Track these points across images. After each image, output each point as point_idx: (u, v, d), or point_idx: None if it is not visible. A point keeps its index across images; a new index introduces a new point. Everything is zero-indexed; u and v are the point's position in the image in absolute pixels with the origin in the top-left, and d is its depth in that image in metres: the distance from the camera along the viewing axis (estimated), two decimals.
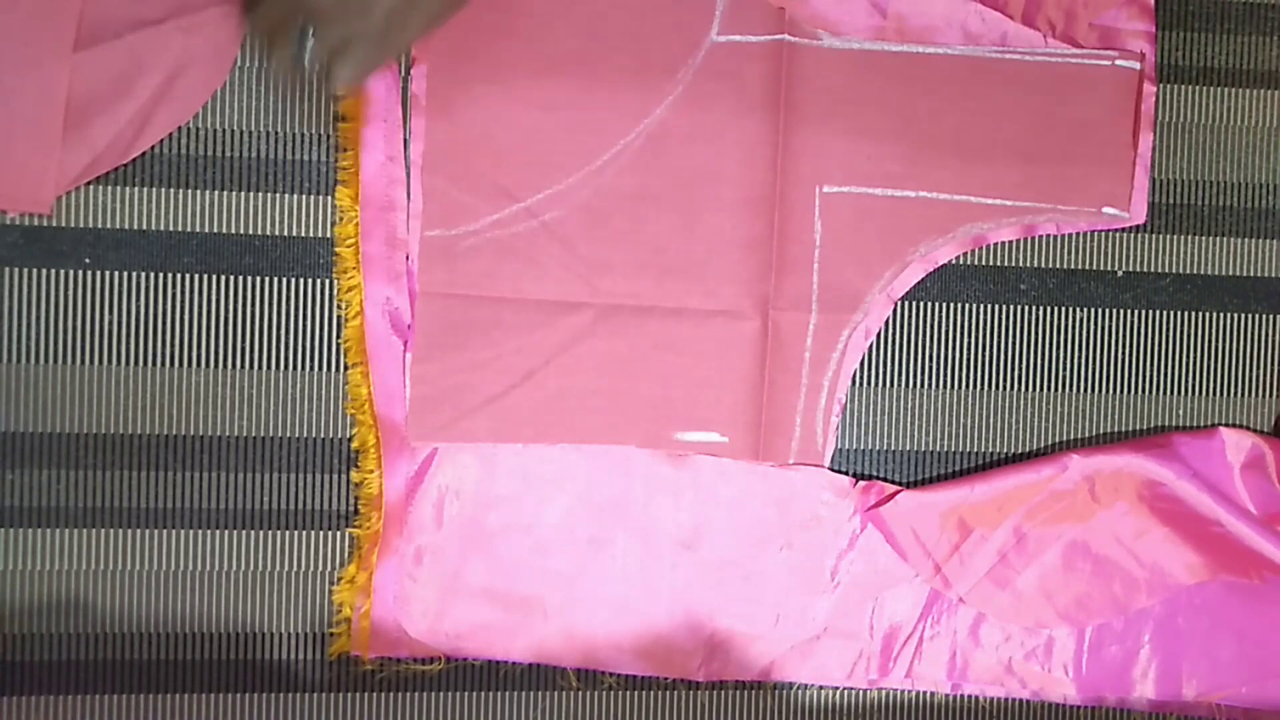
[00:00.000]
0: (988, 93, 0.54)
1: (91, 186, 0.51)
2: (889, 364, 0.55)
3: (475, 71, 0.51)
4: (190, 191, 0.51)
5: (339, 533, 0.52)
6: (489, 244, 0.52)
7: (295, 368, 0.52)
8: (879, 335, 0.55)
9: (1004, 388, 0.56)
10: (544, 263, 0.52)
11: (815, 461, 0.54)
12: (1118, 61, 0.55)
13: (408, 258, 0.52)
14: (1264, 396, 0.57)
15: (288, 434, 0.52)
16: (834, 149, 0.54)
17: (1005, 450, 0.56)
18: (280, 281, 0.52)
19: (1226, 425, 0.57)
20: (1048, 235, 0.55)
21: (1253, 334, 0.57)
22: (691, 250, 0.53)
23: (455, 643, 0.52)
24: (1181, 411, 0.57)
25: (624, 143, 0.52)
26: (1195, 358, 0.57)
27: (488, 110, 0.52)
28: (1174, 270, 0.57)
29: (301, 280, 0.52)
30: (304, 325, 0.52)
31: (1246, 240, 0.57)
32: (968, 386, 0.56)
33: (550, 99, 0.52)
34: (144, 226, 0.51)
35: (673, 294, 0.53)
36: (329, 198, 0.52)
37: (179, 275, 0.51)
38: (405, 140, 0.52)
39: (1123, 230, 0.56)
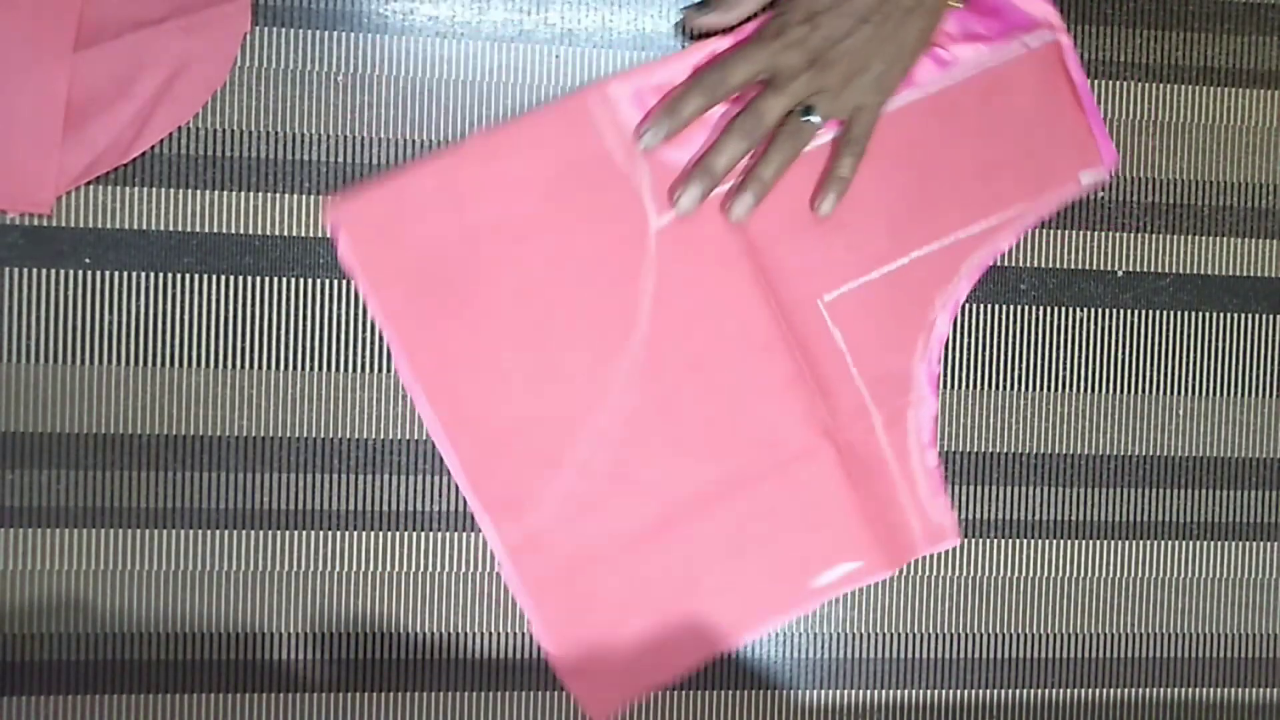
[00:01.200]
0: (927, 134, 0.53)
1: (91, 186, 0.51)
2: None
3: (461, 373, 0.51)
4: (190, 191, 0.51)
5: (339, 533, 0.52)
6: (562, 522, 0.52)
7: (295, 368, 0.52)
8: None
9: (1003, 388, 0.56)
10: (612, 505, 0.52)
11: (948, 539, 0.55)
12: (1028, 42, 0.54)
13: None
14: (1264, 396, 0.58)
15: (288, 434, 0.52)
16: (813, 258, 0.53)
17: (1005, 450, 0.56)
18: (280, 281, 0.52)
19: (1227, 426, 0.57)
20: (1048, 231, 0.55)
21: (1253, 334, 0.57)
22: (738, 421, 0.53)
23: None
24: (1181, 411, 0.57)
25: (626, 366, 0.52)
26: (1195, 358, 0.57)
27: (486, 401, 0.52)
28: (1174, 270, 0.57)
29: (301, 280, 0.52)
30: (304, 325, 0.52)
31: (1246, 240, 0.57)
32: (967, 386, 0.56)
33: (531, 370, 0.51)
34: (144, 226, 0.51)
35: (741, 468, 0.53)
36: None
37: (179, 275, 0.51)
38: None
39: (1123, 230, 0.56)
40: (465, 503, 0.53)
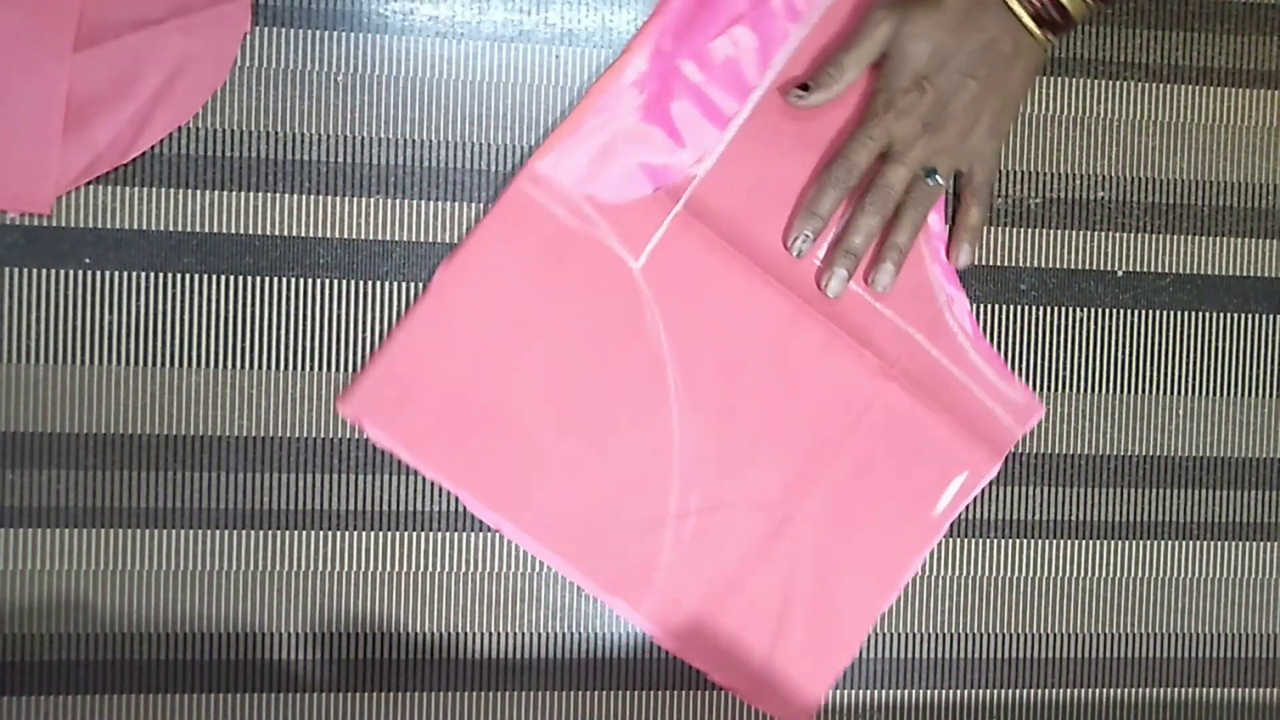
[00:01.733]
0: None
1: (91, 186, 0.51)
2: None
3: (529, 485, 0.52)
4: (190, 191, 0.51)
5: (339, 533, 0.52)
6: (687, 570, 0.53)
7: (295, 368, 0.52)
8: None
9: None
10: (722, 533, 0.53)
11: (1034, 413, 0.55)
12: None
13: None
14: (1264, 396, 0.58)
15: (288, 434, 0.52)
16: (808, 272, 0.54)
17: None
18: (280, 281, 0.52)
19: (1227, 426, 0.57)
20: (1048, 231, 0.56)
21: (1253, 334, 0.57)
22: (796, 403, 0.53)
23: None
24: (1181, 411, 0.57)
25: (674, 406, 0.53)
26: (1195, 358, 0.57)
27: (564, 497, 0.52)
28: (1174, 270, 0.57)
29: (301, 280, 0.52)
30: (304, 325, 0.52)
31: (1246, 240, 0.57)
32: None
33: (592, 451, 0.52)
34: (144, 226, 0.51)
35: (820, 442, 0.53)
36: (330, 198, 0.52)
37: (179, 275, 0.51)
38: None
39: (1123, 230, 0.56)
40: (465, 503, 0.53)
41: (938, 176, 0.51)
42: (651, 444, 0.53)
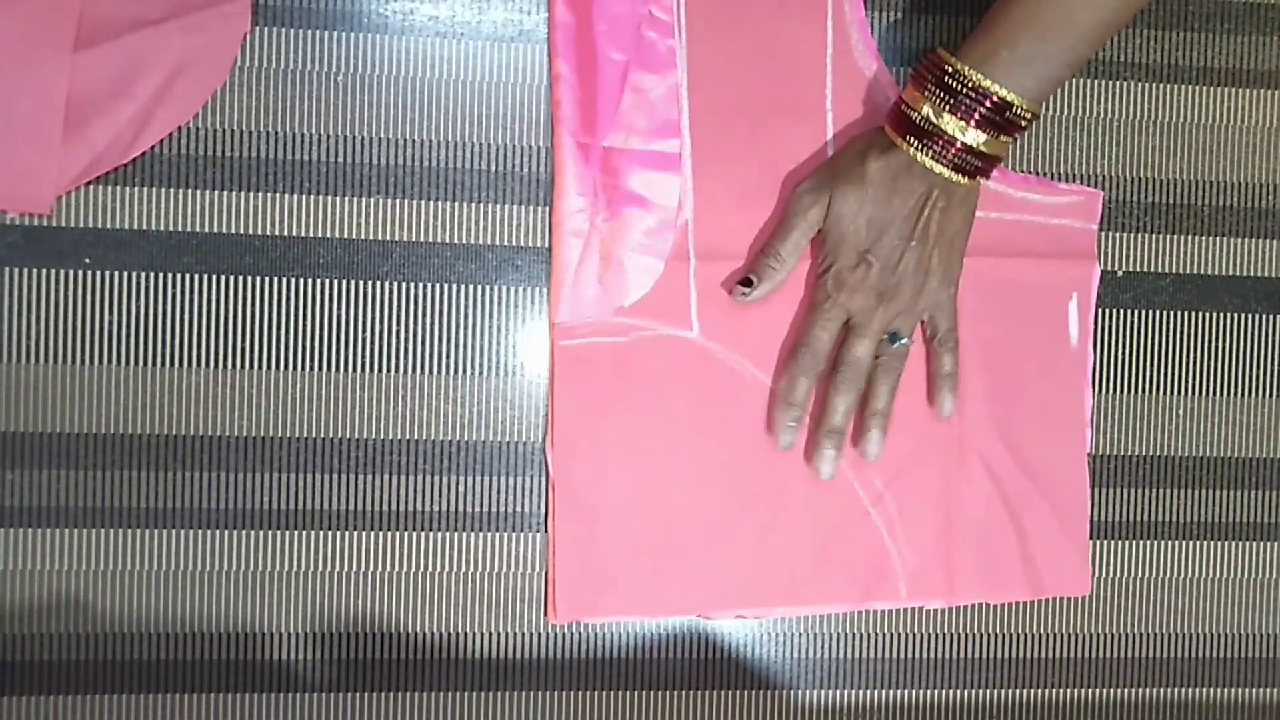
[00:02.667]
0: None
1: (91, 186, 0.51)
2: None
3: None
4: (190, 191, 0.51)
5: (339, 533, 0.52)
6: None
7: (295, 368, 0.52)
8: None
9: None
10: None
11: (1094, 197, 0.56)
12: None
13: None
14: (1264, 396, 0.57)
15: (288, 434, 0.52)
16: None
17: None
18: (280, 281, 0.52)
19: (1227, 426, 0.57)
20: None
21: (1253, 334, 0.57)
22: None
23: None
24: (1181, 412, 0.57)
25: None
26: (1195, 358, 0.57)
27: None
28: (1174, 270, 0.57)
29: (301, 280, 0.52)
30: (304, 325, 0.52)
31: (1246, 240, 0.57)
32: None
33: (771, 521, 0.54)
34: (144, 226, 0.51)
35: (969, 370, 0.55)
36: (330, 198, 0.52)
37: (179, 275, 0.51)
38: None
39: (1123, 230, 0.56)
40: (465, 503, 0.53)
41: (903, 340, 0.52)
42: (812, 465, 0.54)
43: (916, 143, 0.49)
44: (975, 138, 0.48)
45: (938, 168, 0.49)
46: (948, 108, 0.48)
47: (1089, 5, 0.47)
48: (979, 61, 0.48)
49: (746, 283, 0.52)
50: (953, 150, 0.48)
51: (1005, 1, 0.48)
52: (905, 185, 0.50)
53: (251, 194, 0.52)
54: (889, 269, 0.50)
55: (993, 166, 0.50)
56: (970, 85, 0.48)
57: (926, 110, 0.48)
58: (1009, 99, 0.48)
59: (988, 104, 0.48)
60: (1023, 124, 0.49)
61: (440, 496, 0.53)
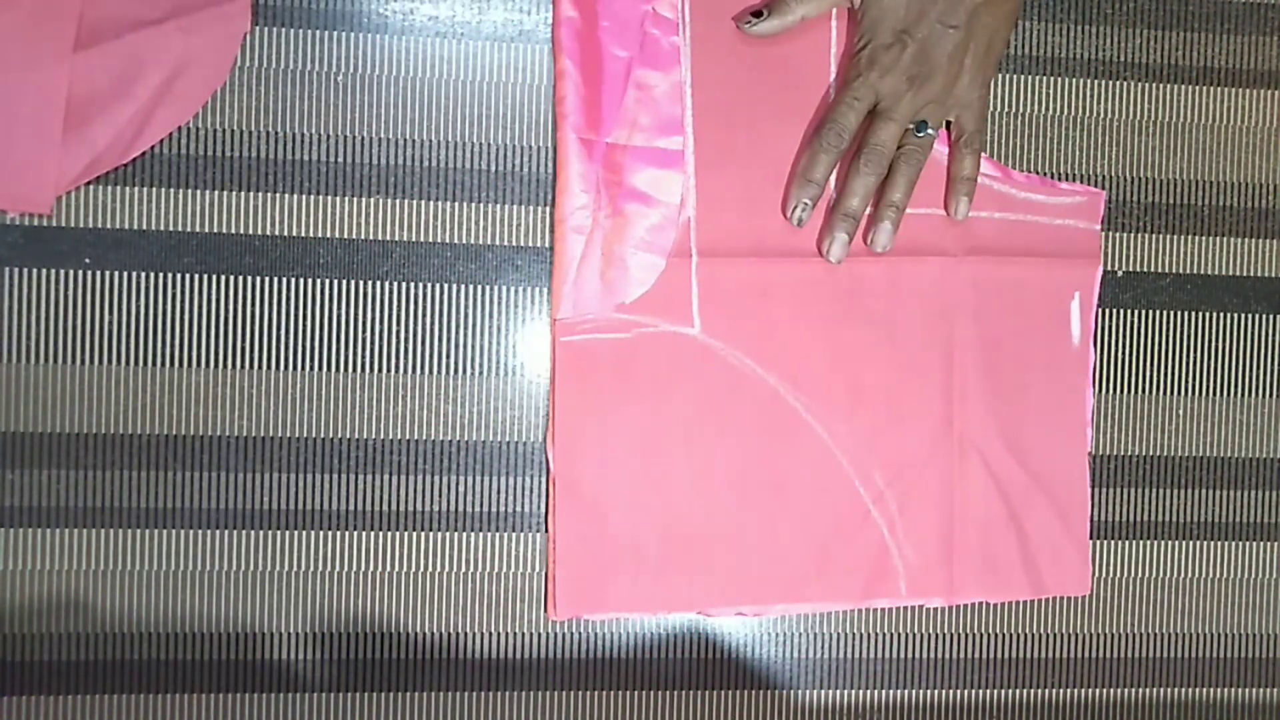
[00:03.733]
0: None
1: (91, 186, 0.51)
2: None
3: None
4: (190, 191, 0.51)
5: (339, 533, 0.52)
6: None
7: (295, 368, 0.52)
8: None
9: None
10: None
11: (1096, 197, 0.56)
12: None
13: None
14: (1264, 396, 0.57)
15: (288, 434, 0.52)
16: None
17: None
18: (280, 281, 0.52)
19: (1227, 426, 0.57)
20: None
21: (1253, 334, 0.57)
22: (922, 342, 0.54)
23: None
24: (1181, 412, 0.57)
25: (816, 426, 0.54)
26: (1195, 358, 0.57)
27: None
28: (1174, 270, 0.57)
29: (301, 280, 0.52)
30: (304, 325, 0.52)
31: (1246, 240, 0.57)
32: None
33: (771, 519, 0.54)
34: (144, 226, 0.51)
35: (971, 369, 0.55)
36: (330, 198, 0.52)
37: (179, 275, 0.51)
38: None
39: (1123, 230, 0.56)
40: (465, 503, 0.53)
41: (929, 131, 0.51)
42: (814, 462, 0.54)
43: None
44: None
45: None
46: None
47: None
48: None
49: (757, 14, 0.51)
50: None
51: None
52: None
53: (251, 194, 0.51)
54: (924, 53, 0.49)
55: None
56: None
57: None
58: None
59: None
60: None
61: (440, 496, 0.53)
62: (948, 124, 0.53)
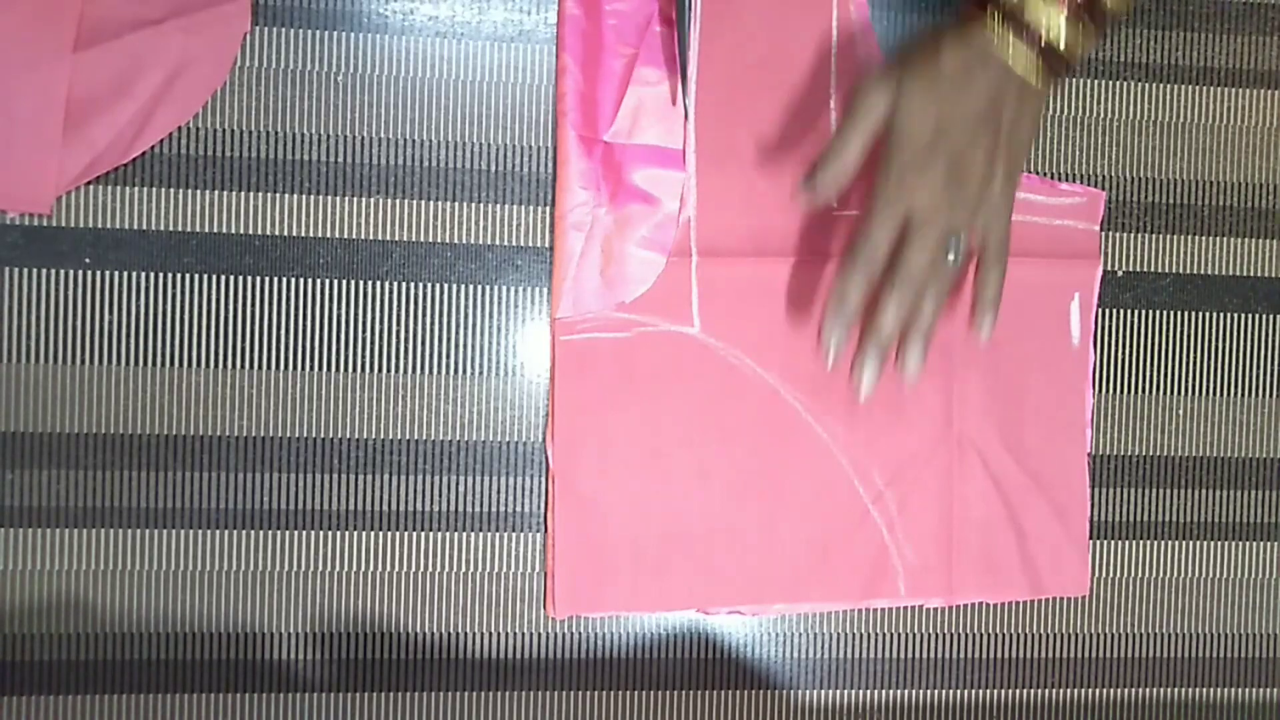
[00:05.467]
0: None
1: (91, 186, 0.51)
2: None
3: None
4: (190, 191, 0.51)
5: (339, 533, 0.52)
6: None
7: (295, 368, 0.52)
8: None
9: None
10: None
11: (1096, 197, 0.57)
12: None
13: None
14: (1264, 396, 0.57)
15: (288, 434, 0.52)
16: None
17: None
18: (280, 281, 0.52)
19: (1227, 426, 0.57)
20: None
21: (1253, 334, 0.57)
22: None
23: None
24: (1181, 412, 0.57)
25: (815, 425, 0.54)
26: (1195, 358, 0.57)
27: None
28: (1174, 270, 0.57)
29: (301, 280, 0.52)
30: (304, 325, 0.52)
31: (1246, 240, 0.57)
32: None
33: (771, 518, 0.54)
34: (144, 226, 0.51)
35: (970, 369, 0.55)
36: (330, 198, 0.52)
37: (179, 275, 0.51)
38: None
39: (1123, 230, 0.56)
40: (465, 503, 0.53)
41: (958, 254, 0.48)
42: (814, 462, 0.54)
43: (1002, 23, 0.46)
44: (1060, 27, 0.46)
45: (1018, 59, 0.46)
46: None
47: None
48: None
49: (811, 177, 0.49)
50: (1036, 40, 0.46)
51: None
52: (981, 79, 0.47)
53: (251, 194, 0.52)
54: (955, 165, 0.47)
55: (1067, 70, 0.47)
56: None
57: None
58: None
59: None
60: (1106, 16, 0.46)
61: (440, 496, 0.53)
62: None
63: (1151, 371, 0.57)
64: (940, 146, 0.47)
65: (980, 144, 0.47)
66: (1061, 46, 0.46)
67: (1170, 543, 0.57)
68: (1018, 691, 0.56)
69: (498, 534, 0.53)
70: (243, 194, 0.51)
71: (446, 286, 0.53)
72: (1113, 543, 0.57)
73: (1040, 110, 0.49)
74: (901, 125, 0.48)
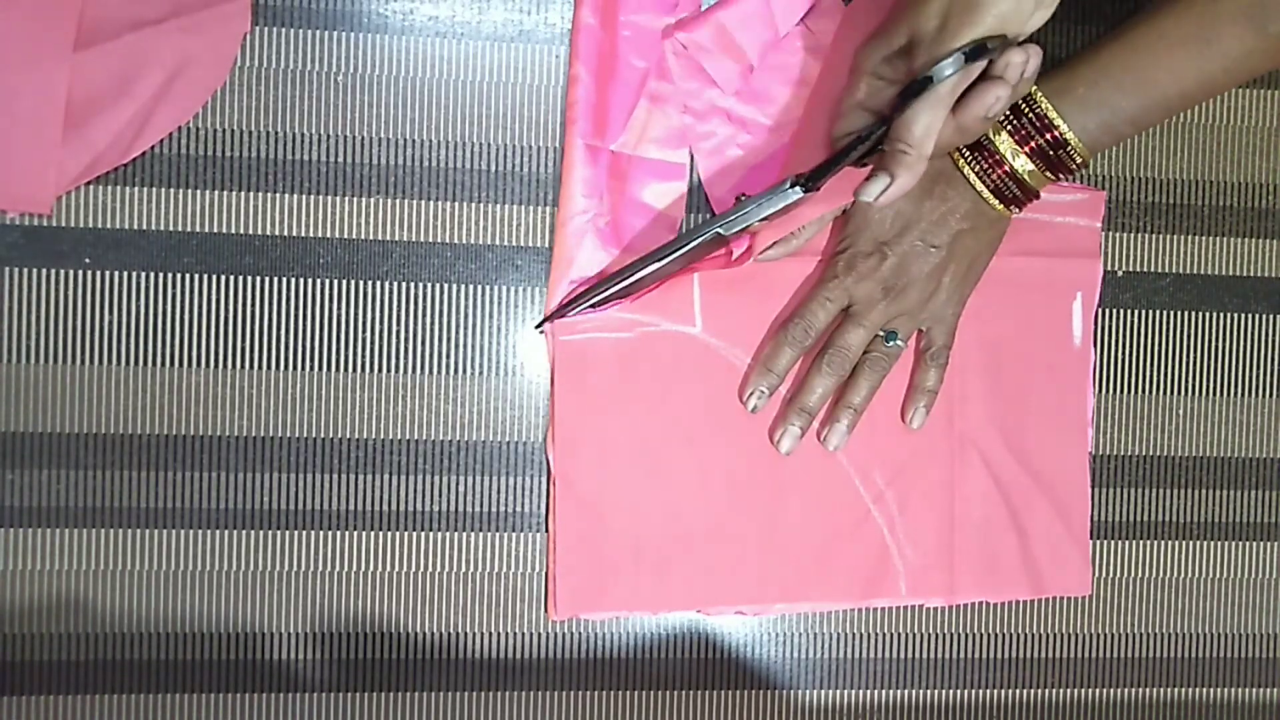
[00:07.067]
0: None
1: (91, 186, 0.51)
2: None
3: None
4: (190, 191, 0.51)
5: (339, 533, 0.52)
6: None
7: (295, 368, 0.52)
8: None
9: None
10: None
11: (1096, 196, 0.56)
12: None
13: None
14: (1264, 396, 0.57)
15: (288, 434, 0.52)
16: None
17: None
18: (280, 281, 0.52)
19: (1227, 426, 0.57)
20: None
21: (1253, 334, 0.57)
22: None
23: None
24: (1181, 412, 0.57)
25: (817, 424, 0.54)
26: (1195, 358, 0.57)
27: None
28: (1174, 270, 0.57)
29: (301, 280, 0.52)
30: (304, 325, 0.52)
31: (1246, 240, 0.57)
32: None
33: (773, 518, 0.54)
34: (144, 226, 0.51)
35: (973, 369, 0.55)
36: (330, 198, 0.52)
37: (179, 275, 0.51)
38: None
39: (1123, 230, 0.56)
40: (465, 503, 0.53)
41: (897, 341, 0.51)
42: (814, 460, 0.54)
43: (966, 153, 0.49)
44: (1024, 165, 0.48)
45: (978, 184, 0.49)
46: (1008, 128, 0.48)
47: (1173, 71, 0.47)
48: (1052, 93, 0.48)
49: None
50: (999, 171, 0.49)
51: (1096, 45, 0.48)
52: (941, 191, 0.50)
53: (251, 194, 0.52)
54: (903, 267, 0.50)
55: (1027, 201, 0.50)
56: (1037, 112, 0.48)
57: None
58: (1068, 138, 0.48)
59: (1048, 136, 0.48)
60: (1072, 167, 0.49)
61: (440, 496, 0.53)
62: (918, 332, 0.53)
63: (1151, 371, 0.57)
64: (892, 244, 0.50)
65: (931, 255, 0.50)
66: (1027, 179, 0.49)
67: (1171, 543, 0.57)
68: (1019, 691, 0.56)
69: (498, 534, 0.53)
70: (243, 194, 0.51)
71: (446, 286, 0.53)
72: (1113, 543, 0.57)
73: (999, 234, 0.52)
74: (859, 217, 0.51)
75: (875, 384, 0.52)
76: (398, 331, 0.52)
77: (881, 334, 0.51)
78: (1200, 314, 0.57)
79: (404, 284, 0.52)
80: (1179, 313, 0.57)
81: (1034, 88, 0.48)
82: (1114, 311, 0.57)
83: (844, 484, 0.54)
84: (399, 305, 0.52)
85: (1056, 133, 0.48)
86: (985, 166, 0.49)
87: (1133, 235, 0.57)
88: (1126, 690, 0.57)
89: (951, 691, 0.56)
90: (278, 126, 0.52)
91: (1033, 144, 0.48)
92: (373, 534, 0.52)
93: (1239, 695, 0.58)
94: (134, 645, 0.51)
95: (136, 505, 0.51)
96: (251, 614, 0.52)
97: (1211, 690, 0.58)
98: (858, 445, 0.54)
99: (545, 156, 0.53)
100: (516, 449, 0.53)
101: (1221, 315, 0.57)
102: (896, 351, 0.52)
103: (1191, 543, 0.57)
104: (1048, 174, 0.49)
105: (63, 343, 0.51)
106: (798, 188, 0.47)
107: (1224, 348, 0.57)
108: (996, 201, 0.50)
